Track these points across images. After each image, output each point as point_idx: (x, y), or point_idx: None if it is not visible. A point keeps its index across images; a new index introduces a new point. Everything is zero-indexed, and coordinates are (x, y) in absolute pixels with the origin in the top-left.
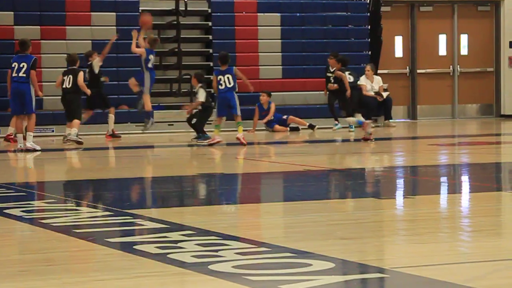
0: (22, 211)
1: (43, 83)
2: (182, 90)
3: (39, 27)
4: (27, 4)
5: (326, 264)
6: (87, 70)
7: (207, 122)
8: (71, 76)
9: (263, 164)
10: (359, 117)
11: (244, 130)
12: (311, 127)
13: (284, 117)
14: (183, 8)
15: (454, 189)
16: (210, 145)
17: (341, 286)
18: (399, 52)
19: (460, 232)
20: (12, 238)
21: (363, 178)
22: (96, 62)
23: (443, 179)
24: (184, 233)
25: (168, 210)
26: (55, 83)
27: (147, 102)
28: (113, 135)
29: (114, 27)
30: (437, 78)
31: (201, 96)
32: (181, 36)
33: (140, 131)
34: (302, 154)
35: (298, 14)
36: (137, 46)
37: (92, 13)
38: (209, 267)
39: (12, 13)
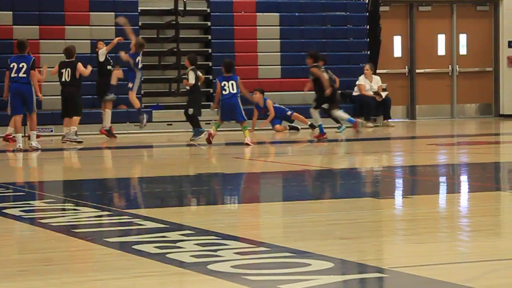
0: (21, 211)
1: (42, 83)
2: (181, 90)
3: (38, 27)
4: (26, 4)
5: (325, 264)
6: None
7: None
8: (69, 69)
9: (262, 164)
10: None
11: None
12: (312, 127)
13: (289, 113)
14: (182, 8)
15: (453, 189)
16: (207, 140)
17: (340, 286)
18: (398, 52)
19: (459, 232)
20: (11, 238)
21: (362, 178)
22: (102, 51)
23: (442, 179)
24: (183, 233)
25: (167, 210)
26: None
27: (134, 99)
28: (109, 132)
29: (113, 27)
30: (436, 78)
31: (191, 78)
32: (180, 36)
33: (139, 129)
34: (302, 154)
35: (297, 14)
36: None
37: (91, 13)
38: (208, 267)
39: (11, 12)
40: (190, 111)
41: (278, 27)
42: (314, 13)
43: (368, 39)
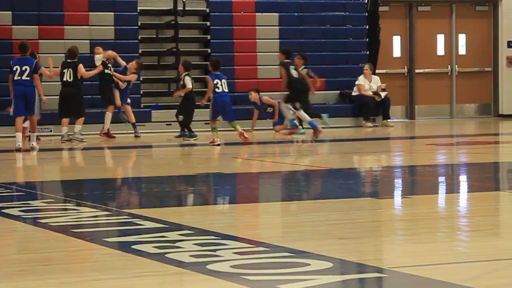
0: (20, 210)
1: (42, 83)
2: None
3: (37, 26)
4: (25, 4)
5: (324, 264)
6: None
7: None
8: (71, 70)
9: (261, 164)
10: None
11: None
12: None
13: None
14: (181, 8)
15: (452, 188)
16: (214, 145)
17: (339, 286)
18: (397, 52)
19: (458, 232)
20: (10, 238)
21: (361, 178)
22: (99, 57)
23: (441, 178)
24: (182, 233)
25: (166, 210)
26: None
27: (117, 97)
28: (108, 135)
29: (112, 27)
30: (435, 77)
31: (188, 83)
32: (179, 36)
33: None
34: (301, 153)
35: (296, 14)
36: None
37: (90, 12)
38: (207, 266)
39: (10, 12)
40: (180, 117)
41: (278, 27)
42: (313, 13)
43: (367, 39)
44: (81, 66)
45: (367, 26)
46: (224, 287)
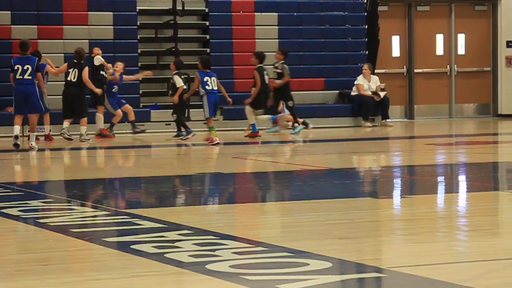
0: (19, 210)
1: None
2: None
3: (36, 26)
4: (24, 4)
5: (323, 264)
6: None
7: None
8: (76, 70)
9: (260, 164)
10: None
11: (242, 130)
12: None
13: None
14: (180, 8)
15: (451, 188)
16: (213, 145)
17: (338, 286)
18: (396, 51)
19: (457, 232)
20: (9, 238)
21: (360, 178)
22: (98, 58)
23: (440, 178)
24: (181, 233)
25: (165, 210)
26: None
27: (107, 103)
28: (102, 135)
29: (112, 27)
30: (434, 77)
31: (179, 82)
32: (178, 35)
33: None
34: (300, 153)
35: (295, 14)
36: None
37: (89, 12)
38: (206, 266)
39: (10, 12)
40: (174, 116)
41: (277, 27)
42: (312, 13)
43: (366, 39)
44: (86, 70)
45: (366, 26)
46: (223, 287)
